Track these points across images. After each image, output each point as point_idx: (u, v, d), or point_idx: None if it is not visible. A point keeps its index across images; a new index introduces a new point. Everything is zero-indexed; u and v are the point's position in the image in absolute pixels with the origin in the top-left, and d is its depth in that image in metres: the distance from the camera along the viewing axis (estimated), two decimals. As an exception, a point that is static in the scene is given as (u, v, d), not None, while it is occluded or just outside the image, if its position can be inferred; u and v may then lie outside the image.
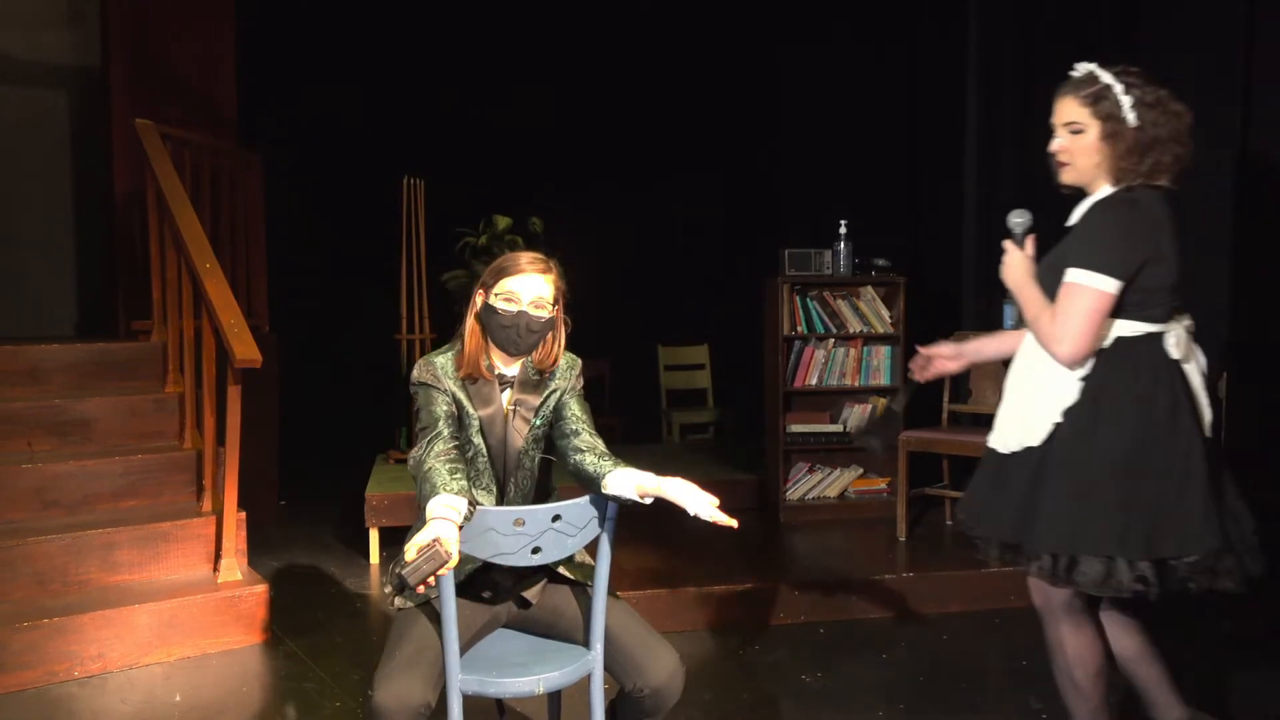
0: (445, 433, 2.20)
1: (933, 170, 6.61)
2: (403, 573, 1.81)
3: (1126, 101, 2.21)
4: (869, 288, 5.07)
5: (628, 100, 6.69)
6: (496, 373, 2.32)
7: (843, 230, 5.35)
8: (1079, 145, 2.26)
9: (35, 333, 5.02)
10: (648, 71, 6.70)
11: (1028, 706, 3.16)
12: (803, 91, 6.67)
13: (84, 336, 5.19)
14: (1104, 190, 2.28)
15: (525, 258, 2.31)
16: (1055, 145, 2.29)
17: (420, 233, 5.52)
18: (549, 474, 2.42)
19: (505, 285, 2.28)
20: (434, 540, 1.84)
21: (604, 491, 2.17)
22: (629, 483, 2.13)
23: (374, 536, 4.65)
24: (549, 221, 5.62)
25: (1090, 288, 2.18)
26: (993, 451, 2.39)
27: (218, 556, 3.80)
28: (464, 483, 2.06)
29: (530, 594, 2.30)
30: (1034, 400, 2.30)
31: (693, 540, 4.37)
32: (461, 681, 2.15)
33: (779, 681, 3.00)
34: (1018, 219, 2.42)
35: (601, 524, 2.19)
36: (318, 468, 6.21)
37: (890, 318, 5.06)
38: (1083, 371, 2.24)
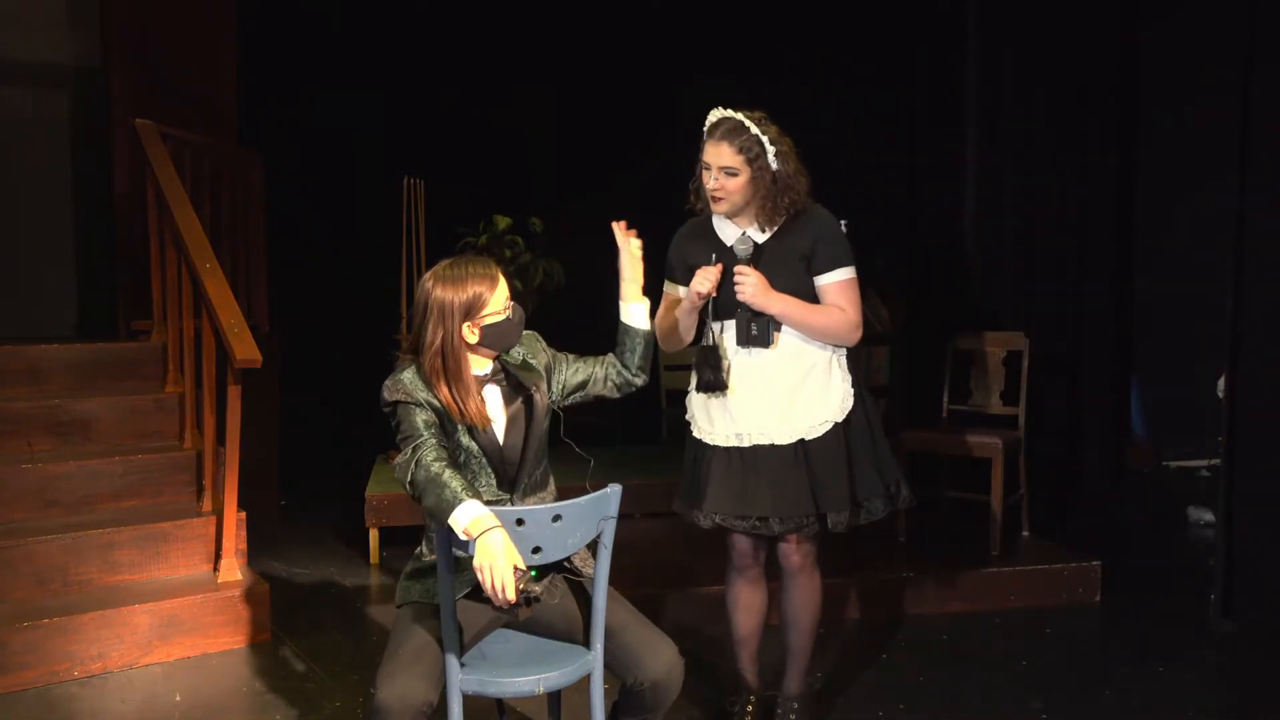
0: (432, 441, 2.20)
1: (933, 171, 6.62)
2: (502, 606, 2.03)
3: (770, 151, 2.67)
4: (869, 288, 5.07)
5: (627, 100, 6.68)
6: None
7: (843, 230, 5.35)
8: (732, 185, 2.68)
9: (35, 333, 5.00)
10: (647, 71, 6.69)
11: (1028, 706, 3.16)
12: (802, 93, 6.67)
13: (84, 336, 5.18)
14: (743, 221, 2.76)
15: (482, 270, 2.30)
16: (712, 185, 2.69)
17: (420, 233, 5.52)
18: (548, 470, 2.45)
19: (494, 302, 2.28)
20: (514, 568, 2.00)
21: (626, 322, 2.53)
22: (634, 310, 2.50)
23: (374, 536, 4.65)
24: (549, 221, 5.61)
25: (856, 278, 2.79)
26: (777, 447, 2.70)
27: (218, 556, 3.80)
28: (471, 486, 2.12)
29: (536, 590, 2.30)
30: (828, 388, 2.74)
31: (693, 540, 4.36)
32: (461, 681, 2.15)
33: (780, 681, 3.00)
34: (742, 245, 2.71)
35: (602, 523, 2.19)
36: (318, 468, 6.20)
37: (890, 318, 5.06)
38: (842, 353, 2.78)
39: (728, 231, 2.78)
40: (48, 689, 3.28)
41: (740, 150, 2.65)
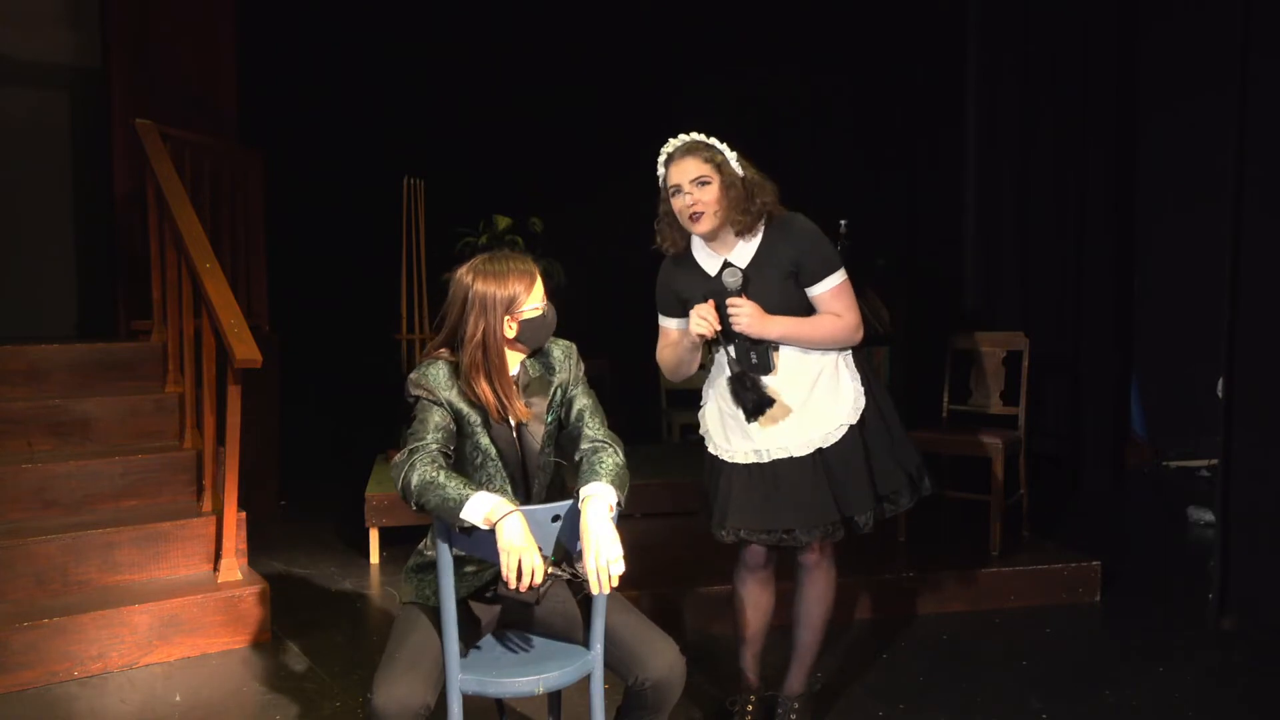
0: (433, 447, 2.20)
1: (933, 171, 6.62)
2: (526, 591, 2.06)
3: (732, 157, 2.71)
4: (869, 288, 5.07)
5: (627, 99, 6.69)
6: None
7: (843, 230, 5.34)
8: (707, 196, 2.67)
9: (35, 333, 5.01)
10: (646, 71, 6.70)
11: (1028, 706, 3.16)
12: (802, 95, 6.67)
13: (84, 336, 5.18)
14: (731, 231, 2.74)
15: (522, 265, 2.32)
16: (688, 201, 2.67)
17: (420, 233, 5.52)
18: (560, 471, 2.44)
19: (531, 298, 2.30)
20: (546, 562, 2.04)
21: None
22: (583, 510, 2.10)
23: (374, 536, 4.65)
24: (549, 221, 5.62)
25: (848, 279, 2.76)
26: (795, 459, 2.72)
27: (218, 556, 3.80)
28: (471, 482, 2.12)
29: (562, 575, 2.29)
30: (837, 392, 2.76)
31: (695, 540, 4.36)
32: (461, 681, 2.15)
33: (781, 681, 3.01)
34: (731, 278, 2.71)
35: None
36: (318, 468, 6.20)
37: (890, 318, 5.06)
38: (848, 354, 2.79)
39: (710, 263, 2.78)
40: (48, 689, 3.28)
41: (707, 160, 2.68)
